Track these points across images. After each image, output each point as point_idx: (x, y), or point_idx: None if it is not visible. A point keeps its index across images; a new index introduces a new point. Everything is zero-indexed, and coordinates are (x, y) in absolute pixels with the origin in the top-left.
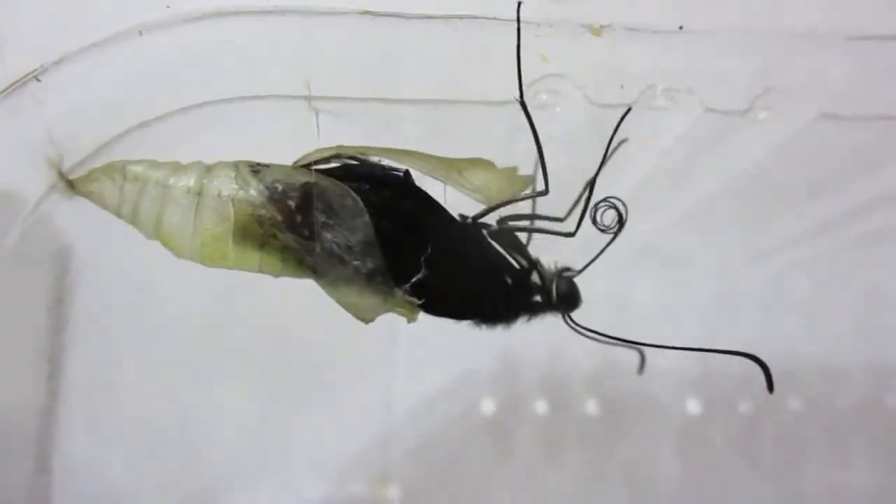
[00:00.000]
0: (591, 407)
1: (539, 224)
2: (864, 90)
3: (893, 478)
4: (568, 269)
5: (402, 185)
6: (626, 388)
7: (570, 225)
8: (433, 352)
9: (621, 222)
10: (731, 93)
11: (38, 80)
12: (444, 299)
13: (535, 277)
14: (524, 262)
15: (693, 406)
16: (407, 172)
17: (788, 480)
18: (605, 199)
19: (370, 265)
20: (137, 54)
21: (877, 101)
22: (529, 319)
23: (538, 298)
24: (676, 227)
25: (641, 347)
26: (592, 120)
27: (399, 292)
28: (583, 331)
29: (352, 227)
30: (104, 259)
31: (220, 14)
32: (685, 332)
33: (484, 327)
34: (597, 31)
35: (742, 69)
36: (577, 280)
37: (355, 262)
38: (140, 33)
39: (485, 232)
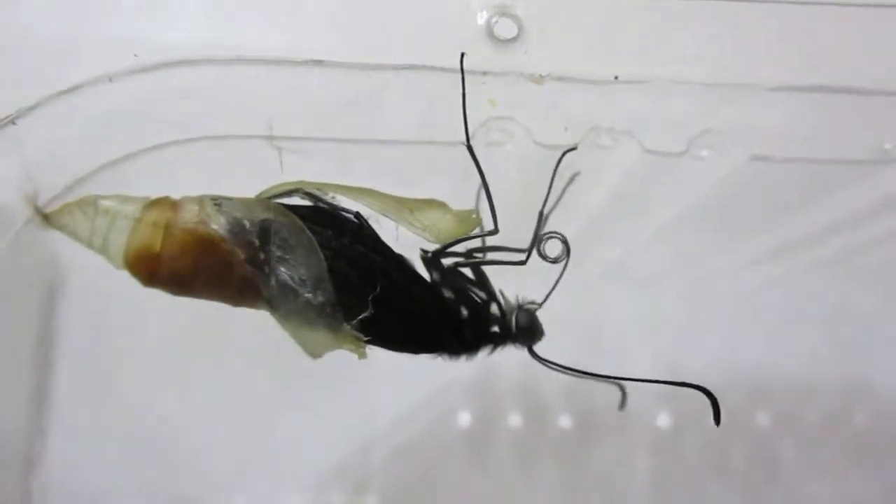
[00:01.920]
0: (565, 420)
1: (499, 256)
2: (788, 136)
3: (862, 492)
4: (532, 303)
5: (355, 229)
6: (599, 402)
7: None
8: (411, 363)
9: (567, 252)
10: (667, 136)
11: (14, 124)
12: (395, 336)
13: (495, 310)
14: (484, 296)
15: (664, 420)
16: (358, 215)
17: (758, 494)
18: (548, 233)
19: (320, 298)
20: (107, 99)
21: (801, 146)
22: (492, 351)
23: (496, 330)
24: (642, 251)
25: (622, 382)
26: (540, 158)
27: (347, 327)
28: (547, 363)
29: (306, 263)
30: (90, 272)
31: (184, 62)
32: (657, 349)
33: (446, 359)
34: (538, 80)
35: (675, 115)
36: (549, 306)
37: (307, 295)
38: (110, 80)
39: (445, 264)
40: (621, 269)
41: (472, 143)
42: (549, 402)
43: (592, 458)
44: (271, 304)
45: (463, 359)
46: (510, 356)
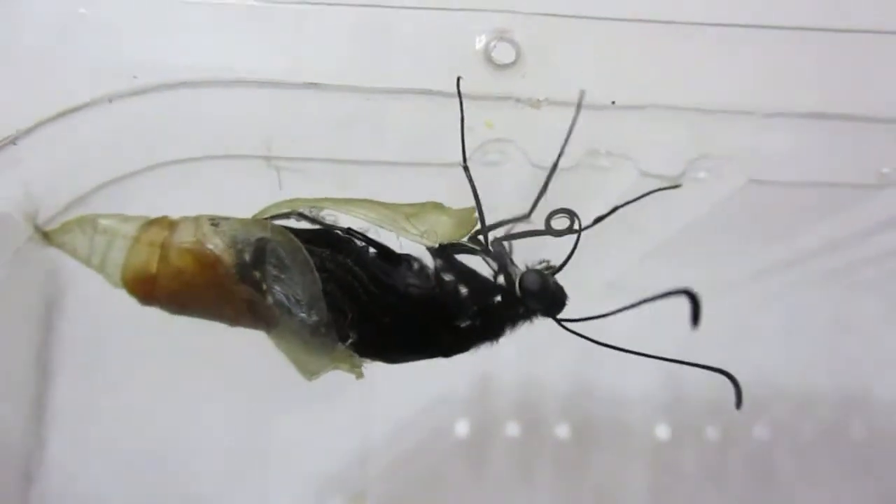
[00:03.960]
0: (563, 430)
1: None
2: (786, 161)
3: (858, 503)
4: (543, 261)
5: (349, 246)
6: (597, 413)
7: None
8: (410, 373)
9: (573, 225)
10: (664, 161)
11: (15, 144)
12: (396, 349)
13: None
14: (493, 272)
15: (662, 431)
16: (349, 230)
17: None
18: (558, 209)
19: (315, 318)
20: (107, 120)
21: (799, 170)
22: (513, 327)
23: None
24: (642, 266)
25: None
26: (536, 180)
27: (342, 347)
28: (577, 332)
29: (301, 282)
30: (90, 286)
31: (183, 84)
32: (656, 361)
33: (474, 350)
34: (535, 104)
35: (672, 141)
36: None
37: (302, 314)
38: (109, 101)
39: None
40: (621, 282)
41: (469, 164)
42: (547, 412)
43: (590, 468)
44: (267, 324)
45: (485, 346)
46: (507, 367)
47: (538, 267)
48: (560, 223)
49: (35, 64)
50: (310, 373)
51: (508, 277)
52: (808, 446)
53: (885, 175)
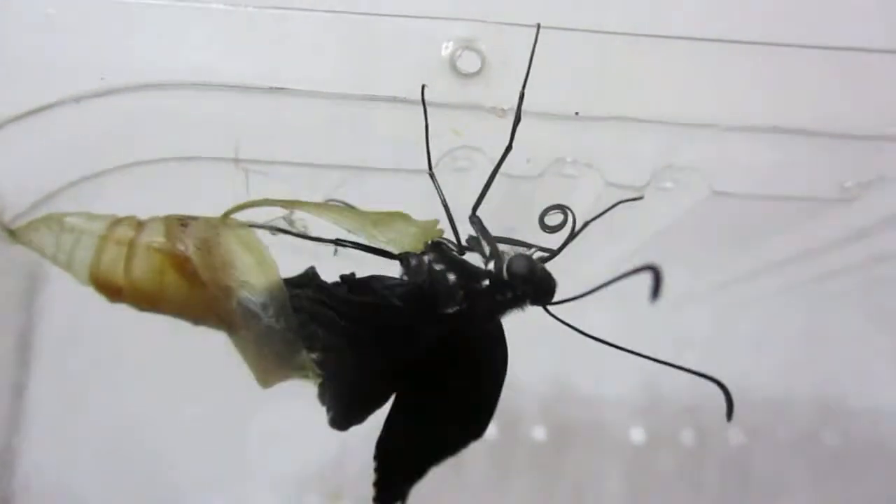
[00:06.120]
0: (539, 432)
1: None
2: (749, 174)
3: None
4: (533, 250)
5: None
6: (574, 415)
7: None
8: None
9: (567, 222)
10: (628, 171)
11: None
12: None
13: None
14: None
15: (638, 434)
16: (339, 240)
17: None
18: (552, 206)
19: (283, 324)
20: (74, 121)
21: (763, 183)
22: (501, 311)
23: (487, 283)
24: (615, 271)
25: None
26: (503, 188)
27: (305, 355)
28: (568, 324)
29: (269, 287)
30: (66, 283)
31: (151, 86)
32: (635, 364)
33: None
34: (500, 114)
35: (636, 152)
36: (529, 319)
37: (267, 319)
38: (77, 101)
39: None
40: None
41: (438, 170)
42: (524, 414)
43: (566, 470)
44: (230, 326)
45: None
46: None
47: (526, 251)
48: (553, 219)
49: (1, 64)
50: (265, 382)
51: (497, 262)
52: (783, 451)
53: (848, 189)
